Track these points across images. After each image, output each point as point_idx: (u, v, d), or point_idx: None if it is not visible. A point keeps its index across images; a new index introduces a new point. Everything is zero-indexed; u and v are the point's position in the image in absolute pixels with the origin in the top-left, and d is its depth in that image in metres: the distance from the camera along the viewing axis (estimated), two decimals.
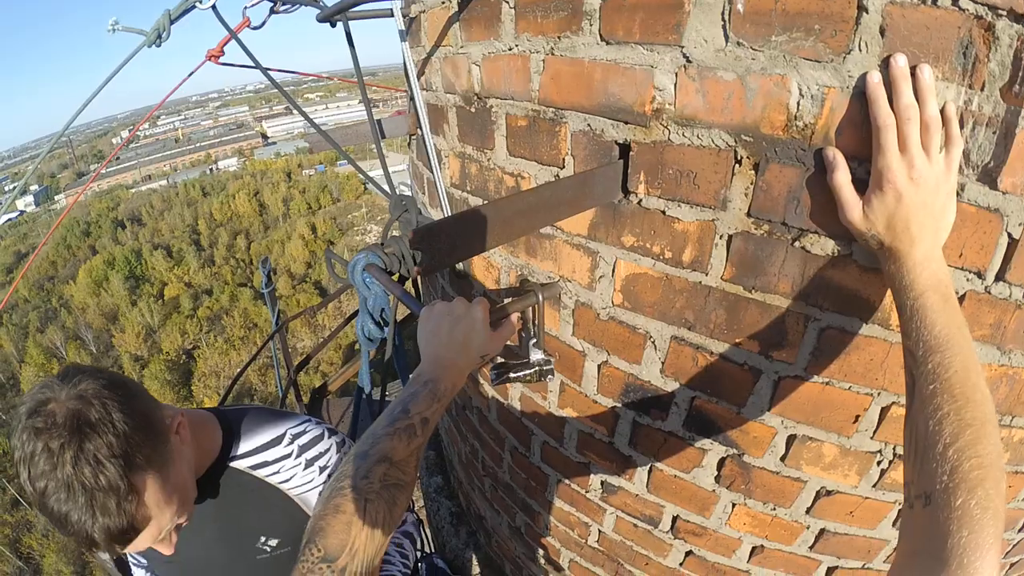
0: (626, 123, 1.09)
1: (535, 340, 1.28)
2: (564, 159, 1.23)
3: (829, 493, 1.21)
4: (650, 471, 1.44)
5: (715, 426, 1.25)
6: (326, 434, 1.45)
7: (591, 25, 1.07)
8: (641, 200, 1.12)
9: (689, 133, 1.00)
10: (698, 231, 1.07)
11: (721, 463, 1.30)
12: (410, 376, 1.04)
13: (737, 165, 0.97)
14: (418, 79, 1.56)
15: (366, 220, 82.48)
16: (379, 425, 0.90)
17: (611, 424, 1.44)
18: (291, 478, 1.38)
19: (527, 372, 1.27)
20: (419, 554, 2.81)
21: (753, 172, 0.96)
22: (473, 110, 1.45)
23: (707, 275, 1.09)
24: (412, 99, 1.58)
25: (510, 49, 1.27)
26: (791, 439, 1.17)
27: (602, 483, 1.60)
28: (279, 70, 2.14)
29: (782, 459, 1.21)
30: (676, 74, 0.98)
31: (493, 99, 1.37)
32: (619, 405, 1.40)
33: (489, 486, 2.21)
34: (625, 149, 1.11)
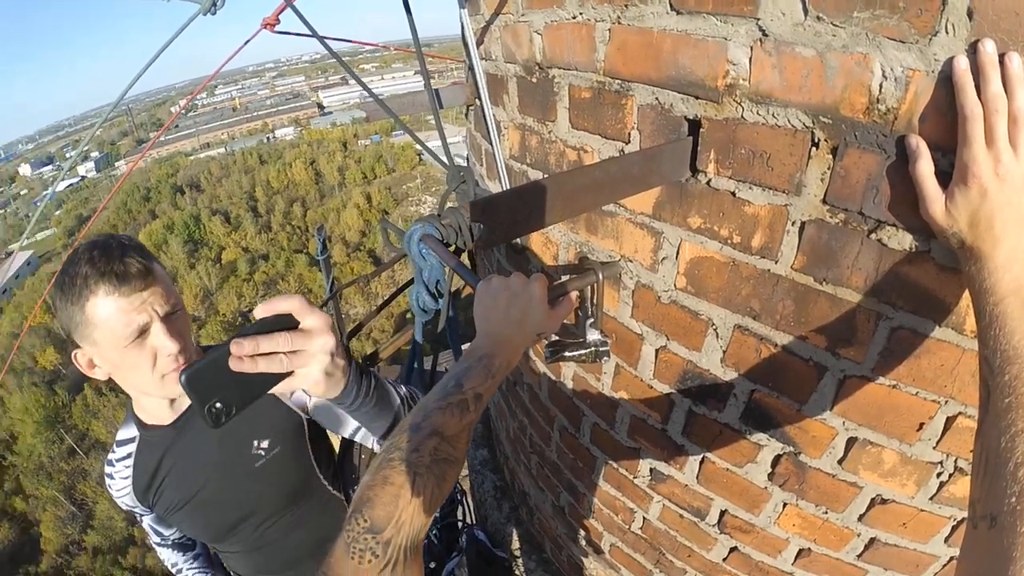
0: (697, 98, 1.03)
1: (592, 320, 1.24)
2: (630, 134, 1.18)
3: (884, 501, 1.15)
4: (702, 462, 1.41)
5: (773, 421, 1.20)
6: None
7: None
8: (710, 180, 1.07)
9: (764, 111, 0.94)
10: (769, 216, 1.01)
11: (776, 460, 1.25)
12: (464, 350, 1.02)
13: (814, 148, 0.91)
14: (477, 48, 1.52)
15: (421, 191, 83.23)
16: (431, 399, 0.89)
17: (665, 411, 1.41)
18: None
19: (582, 352, 1.25)
20: (460, 524, 2.85)
21: (831, 156, 0.89)
22: (534, 80, 1.41)
23: (776, 263, 1.04)
24: (471, 69, 1.54)
25: (574, 17, 1.22)
26: (851, 442, 1.11)
27: (651, 470, 1.57)
28: (335, 39, 2.12)
29: (839, 462, 1.15)
30: (751, 48, 0.92)
31: (555, 69, 1.33)
32: (675, 392, 1.36)
33: (535, 463, 2.20)
34: (695, 125, 1.06)
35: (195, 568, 1.81)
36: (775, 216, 1.00)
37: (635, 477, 1.63)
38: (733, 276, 1.11)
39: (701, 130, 1.04)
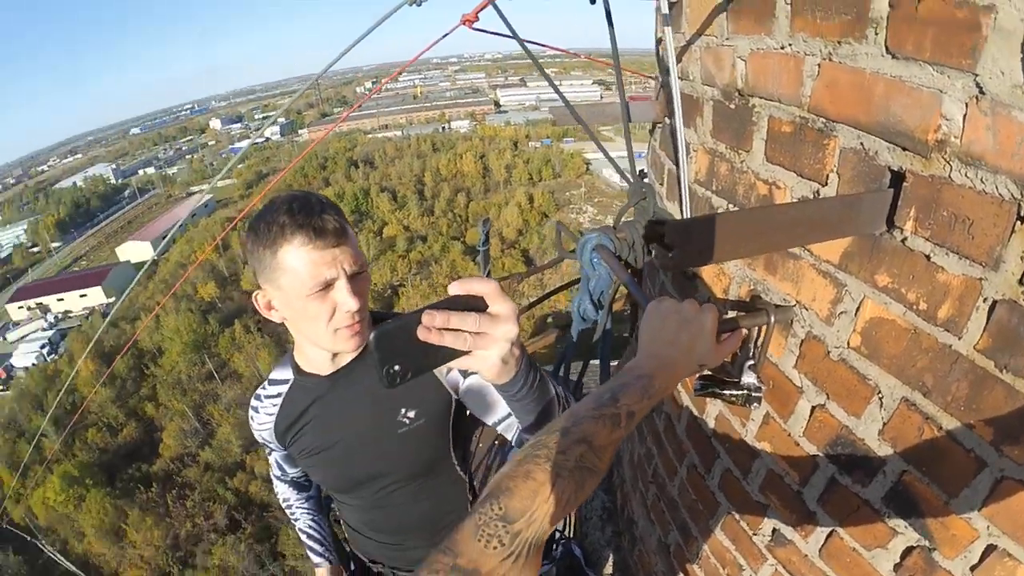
0: (904, 149, 0.96)
1: (752, 363, 1.20)
2: (828, 176, 1.12)
3: None
4: (829, 535, 1.31)
5: (916, 510, 1.10)
6: None
7: (876, 34, 0.96)
8: (906, 238, 0.99)
9: (972, 174, 0.87)
10: (961, 287, 0.92)
11: (907, 552, 1.14)
12: (623, 366, 1.00)
13: (1019, 222, 0.82)
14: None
15: (583, 200, 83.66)
16: (584, 406, 0.88)
17: (807, 473, 1.33)
18: None
19: (735, 393, 1.20)
20: (559, 535, 2.83)
21: None
22: (733, 107, 1.37)
23: (960, 339, 0.94)
24: (664, 86, 1.52)
25: (782, 48, 1.18)
26: (989, 549, 0.99)
27: (774, 531, 1.49)
28: (529, 41, 2.16)
29: (972, 568, 1.03)
30: (967, 104, 0.85)
31: (757, 98, 1.29)
32: (822, 455, 1.27)
33: (653, 494, 2.15)
34: (898, 178, 0.99)
35: (305, 508, 1.92)
36: (967, 289, 0.92)
37: (755, 534, 1.56)
38: (912, 345, 1.03)
39: (904, 184, 0.98)
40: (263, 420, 1.61)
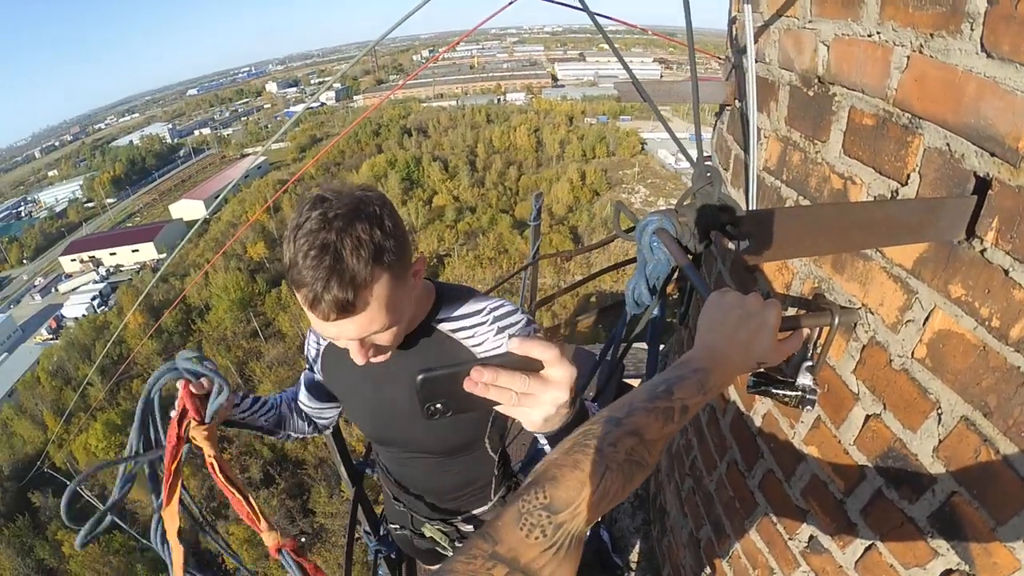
0: (992, 155, 0.91)
1: (811, 364, 1.16)
2: (908, 175, 1.07)
3: None
4: (868, 548, 1.28)
5: (961, 532, 1.06)
6: (519, 311, 1.54)
7: (972, 30, 0.90)
8: (985, 250, 0.94)
9: None
10: None
11: (946, 575, 1.11)
12: (668, 353, 0.98)
13: None
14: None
15: (636, 180, 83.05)
16: (638, 397, 0.86)
17: (853, 483, 1.29)
18: (483, 342, 1.48)
19: (789, 393, 1.17)
20: None
21: None
22: (811, 94, 1.32)
23: None
24: (737, 67, 1.46)
25: (869, 35, 1.12)
26: None
27: (810, 538, 1.46)
28: (598, 14, 2.10)
29: None
30: None
31: (838, 87, 1.23)
32: (870, 467, 1.23)
33: (688, 487, 2.15)
34: (983, 184, 0.93)
35: (286, 416, 1.81)
36: None
37: (791, 539, 1.53)
38: (979, 362, 0.98)
39: (989, 191, 0.92)
40: (317, 339, 1.63)
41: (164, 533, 1.45)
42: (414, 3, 2.60)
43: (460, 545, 1.74)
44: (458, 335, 1.49)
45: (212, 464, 1.35)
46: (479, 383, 0.82)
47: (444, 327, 1.49)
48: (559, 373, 0.86)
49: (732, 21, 1.76)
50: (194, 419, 1.35)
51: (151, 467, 1.46)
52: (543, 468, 0.75)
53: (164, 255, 71.17)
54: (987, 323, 0.95)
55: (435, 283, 1.55)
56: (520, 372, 0.84)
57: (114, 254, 76.00)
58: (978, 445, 1.00)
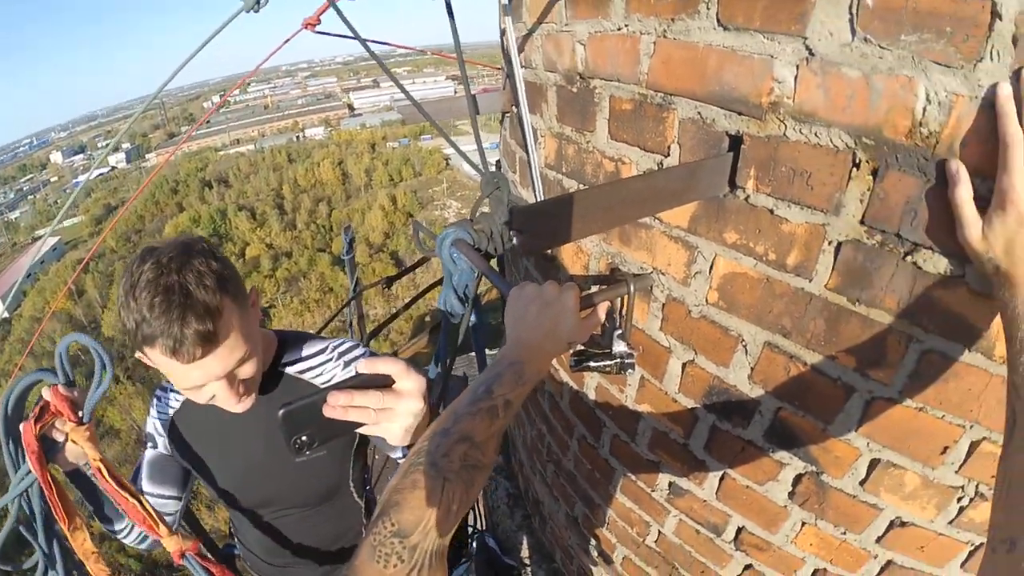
0: (740, 114, 1.03)
1: (620, 331, 1.24)
2: (670, 147, 1.18)
3: (903, 524, 1.14)
4: (722, 478, 1.40)
5: (797, 440, 1.19)
6: (360, 345, 1.56)
7: (708, 9, 1.02)
8: (749, 196, 1.07)
9: (807, 130, 0.94)
10: (806, 234, 1.01)
11: (797, 479, 1.24)
12: (494, 356, 1.02)
13: (855, 169, 0.91)
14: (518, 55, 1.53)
15: (446, 195, 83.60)
16: (460, 404, 0.88)
17: (688, 426, 1.40)
18: (332, 378, 1.48)
19: (608, 363, 1.24)
20: (471, 530, 2.85)
21: (871, 178, 0.89)
22: (575, 90, 1.41)
23: (811, 282, 1.03)
24: (510, 76, 1.55)
25: (619, 29, 1.22)
26: (874, 463, 1.10)
27: (670, 484, 1.56)
28: (374, 41, 2.13)
29: (861, 483, 1.14)
30: (797, 67, 0.92)
31: (597, 80, 1.33)
32: (700, 407, 1.35)
33: (551, 472, 2.19)
34: (736, 141, 1.06)
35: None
36: (812, 235, 1.00)
37: (653, 490, 1.62)
38: (766, 293, 1.10)
39: (742, 146, 1.04)
40: (163, 411, 1.54)
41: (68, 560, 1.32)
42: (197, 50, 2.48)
43: None
44: (307, 375, 1.48)
45: (99, 469, 1.22)
46: (336, 406, 0.84)
47: (291, 370, 1.49)
48: (409, 384, 0.90)
49: (502, 33, 1.84)
50: (70, 420, 1.22)
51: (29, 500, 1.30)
52: (385, 497, 0.76)
53: None
54: (764, 258, 1.08)
55: (274, 331, 1.53)
56: (373, 390, 0.87)
57: None
58: (786, 363, 1.13)
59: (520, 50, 1.65)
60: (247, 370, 1.27)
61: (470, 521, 2.91)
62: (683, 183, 1.06)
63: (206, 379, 1.19)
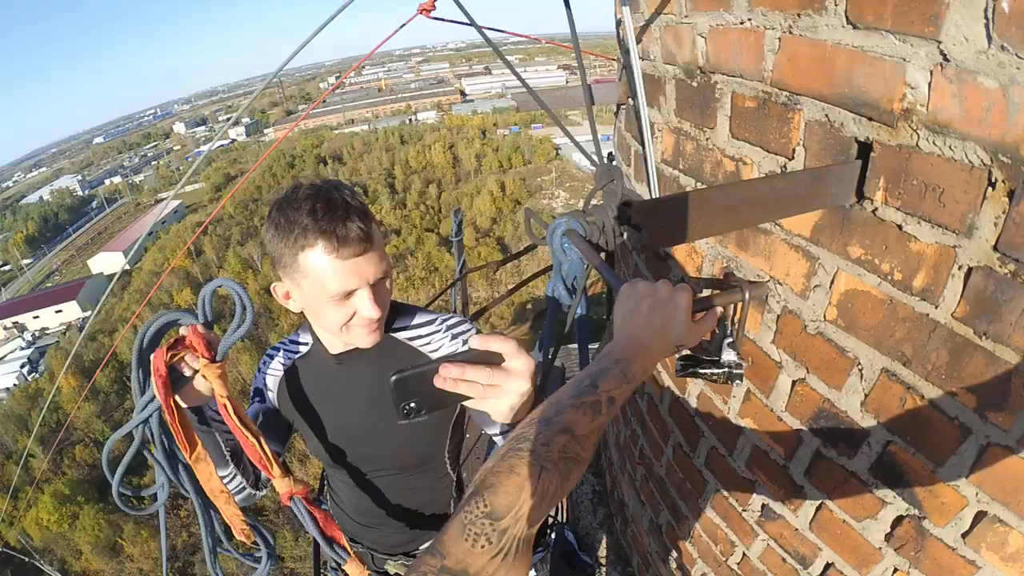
0: (870, 119, 0.95)
1: (731, 340, 1.19)
2: (794, 150, 1.12)
3: None
4: (818, 508, 1.32)
5: (904, 479, 1.10)
6: (468, 322, 1.60)
7: (836, 5, 0.95)
8: (876, 209, 0.99)
9: (940, 142, 0.86)
10: (935, 256, 0.92)
11: (898, 521, 1.15)
12: (599, 352, 0.99)
13: (990, 188, 0.81)
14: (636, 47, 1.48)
15: (555, 185, 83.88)
16: (564, 395, 0.87)
17: (791, 447, 1.33)
18: (440, 348, 1.54)
19: (715, 371, 1.20)
20: (551, 521, 2.84)
21: (1007, 200, 0.80)
22: (695, 84, 1.36)
23: (936, 308, 0.94)
24: (627, 67, 1.50)
25: (742, 23, 1.17)
26: (980, 515, 1.00)
27: (763, 506, 1.49)
28: (490, 28, 2.12)
29: (963, 535, 1.04)
30: (931, 72, 0.84)
31: (718, 75, 1.27)
32: (805, 429, 1.27)
33: (641, 476, 2.16)
34: (865, 149, 0.98)
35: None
36: (942, 257, 0.91)
37: (744, 510, 1.56)
38: (888, 316, 1.02)
39: (872, 154, 0.97)
40: (274, 368, 1.60)
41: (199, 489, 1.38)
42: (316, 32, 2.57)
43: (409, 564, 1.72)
44: (415, 343, 1.53)
45: (225, 405, 1.27)
46: (447, 378, 0.88)
47: (401, 335, 1.54)
48: (519, 364, 0.91)
49: (618, 23, 1.80)
50: (204, 356, 1.25)
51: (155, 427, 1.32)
52: (481, 477, 0.76)
53: (89, 312, 67.63)
54: (890, 277, 1.00)
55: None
56: (484, 365, 0.89)
57: (37, 317, 71.34)
58: (902, 394, 1.04)
59: (637, 41, 1.61)
60: (384, 289, 1.35)
61: (552, 512, 2.91)
62: (808, 189, 1.00)
63: (360, 282, 1.25)
